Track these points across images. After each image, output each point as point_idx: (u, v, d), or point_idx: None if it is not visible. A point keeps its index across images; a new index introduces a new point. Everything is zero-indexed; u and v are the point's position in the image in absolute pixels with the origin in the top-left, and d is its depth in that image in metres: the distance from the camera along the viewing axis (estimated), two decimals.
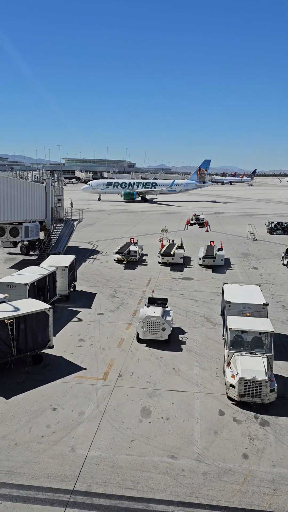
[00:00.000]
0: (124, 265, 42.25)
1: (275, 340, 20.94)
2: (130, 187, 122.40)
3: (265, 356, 18.40)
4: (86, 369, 20.42)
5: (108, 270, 40.03)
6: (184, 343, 23.63)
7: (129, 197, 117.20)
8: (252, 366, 17.67)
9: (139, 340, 23.48)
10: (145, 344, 23.23)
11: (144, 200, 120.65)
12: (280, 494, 13.03)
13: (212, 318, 27.49)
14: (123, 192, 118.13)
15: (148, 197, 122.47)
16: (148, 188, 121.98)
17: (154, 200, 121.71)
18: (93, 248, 50.39)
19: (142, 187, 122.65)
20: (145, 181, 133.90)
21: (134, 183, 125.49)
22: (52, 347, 21.38)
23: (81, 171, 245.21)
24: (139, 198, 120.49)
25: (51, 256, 34.00)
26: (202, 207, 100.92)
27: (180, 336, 24.51)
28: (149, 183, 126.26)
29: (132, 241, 47.90)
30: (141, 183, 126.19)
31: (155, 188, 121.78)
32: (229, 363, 18.65)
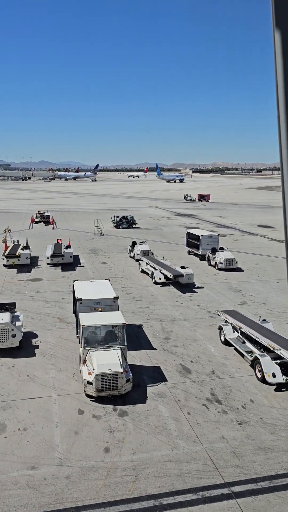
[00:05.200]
0: None
1: (127, 331, 21.95)
2: None
3: (119, 348, 19.19)
4: None
5: None
6: (37, 347, 23.11)
7: None
8: (107, 360, 18.26)
9: None
10: None
11: None
12: (141, 479, 13.81)
13: (65, 318, 27.47)
14: None
15: None
16: None
17: None
18: None
19: None
20: None
21: None
22: None
23: None
24: None
25: None
26: (44, 205, 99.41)
27: (33, 340, 23.89)
28: None
29: None
30: None
31: None
32: (84, 361, 18.93)
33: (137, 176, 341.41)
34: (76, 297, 23.02)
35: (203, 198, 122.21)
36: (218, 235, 46.57)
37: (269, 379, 19.18)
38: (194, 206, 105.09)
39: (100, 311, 21.61)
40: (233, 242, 55.17)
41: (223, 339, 23.84)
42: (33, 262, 42.51)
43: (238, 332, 23.16)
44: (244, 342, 22.31)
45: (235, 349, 22.78)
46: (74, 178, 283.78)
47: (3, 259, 41.03)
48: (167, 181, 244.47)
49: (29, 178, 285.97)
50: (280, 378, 19.00)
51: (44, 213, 74.18)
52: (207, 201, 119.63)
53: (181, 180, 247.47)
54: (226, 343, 23.50)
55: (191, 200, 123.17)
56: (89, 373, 18.08)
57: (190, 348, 23.30)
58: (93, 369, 17.99)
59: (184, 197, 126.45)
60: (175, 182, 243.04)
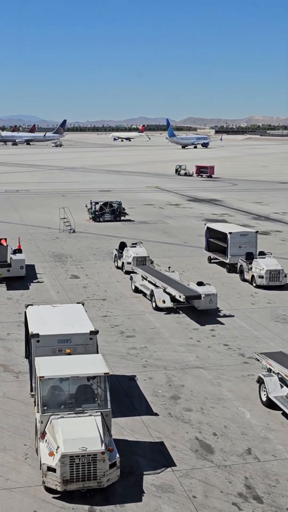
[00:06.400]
0: None
1: (113, 386, 21.89)
2: None
3: (99, 413, 19.11)
4: None
5: None
6: None
7: None
8: (80, 432, 18.15)
9: None
10: None
11: None
12: None
13: (13, 365, 27.56)
14: None
15: None
16: None
17: None
18: None
19: None
20: None
21: None
22: None
23: None
24: None
25: None
26: None
27: None
28: None
29: None
30: None
31: None
32: (43, 434, 18.85)
33: (128, 139, 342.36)
34: (30, 331, 23.01)
35: (204, 171, 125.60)
36: (257, 232, 46.69)
37: None
38: (218, 187, 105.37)
39: (69, 353, 21.59)
40: (281, 244, 55.29)
41: (265, 398, 23.81)
42: None
43: None
44: None
45: (284, 413, 22.81)
46: (28, 142, 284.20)
47: None
48: (183, 147, 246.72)
49: None
50: None
51: None
52: (210, 176, 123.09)
53: (205, 145, 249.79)
54: (270, 404, 23.49)
55: (186, 174, 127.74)
56: (51, 454, 17.92)
57: (213, 413, 23.27)
58: (58, 447, 17.84)
59: (176, 171, 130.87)
60: (195, 147, 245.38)
